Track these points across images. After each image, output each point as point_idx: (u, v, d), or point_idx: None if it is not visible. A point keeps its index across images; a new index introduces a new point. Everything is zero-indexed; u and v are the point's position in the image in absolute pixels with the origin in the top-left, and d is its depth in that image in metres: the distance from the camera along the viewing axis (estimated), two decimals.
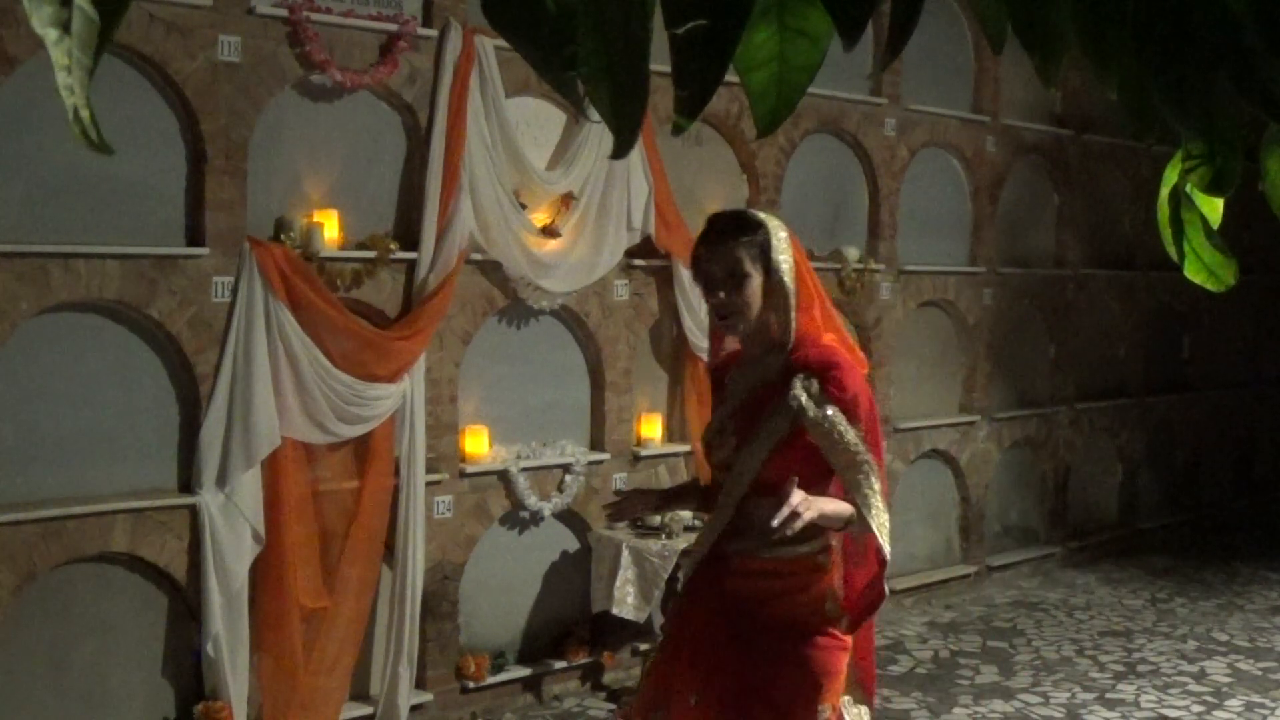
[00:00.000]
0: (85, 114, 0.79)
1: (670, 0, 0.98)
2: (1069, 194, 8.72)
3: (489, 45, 5.37)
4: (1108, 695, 6.02)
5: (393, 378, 5.15)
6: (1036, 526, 8.72)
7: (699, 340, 6.23)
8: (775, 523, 2.71)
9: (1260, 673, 6.42)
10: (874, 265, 7.25)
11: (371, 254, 5.17)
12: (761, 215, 3.08)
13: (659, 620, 5.75)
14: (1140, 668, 6.47)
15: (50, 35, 0.78)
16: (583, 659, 5.90)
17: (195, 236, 4.79)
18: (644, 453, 6.19)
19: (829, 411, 2.89)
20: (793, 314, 2.99)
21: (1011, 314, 8.35)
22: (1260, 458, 10.92)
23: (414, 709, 5.33)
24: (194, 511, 4.71)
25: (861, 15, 1.01)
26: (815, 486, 2.91)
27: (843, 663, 3.03)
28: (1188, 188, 1.62)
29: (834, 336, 3.09)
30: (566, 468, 5.86)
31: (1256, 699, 6.01)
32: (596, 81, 0.98)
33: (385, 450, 5.20)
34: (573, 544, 6.01)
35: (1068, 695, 6.01)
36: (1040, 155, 8.48)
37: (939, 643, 6.85)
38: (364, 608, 5.19)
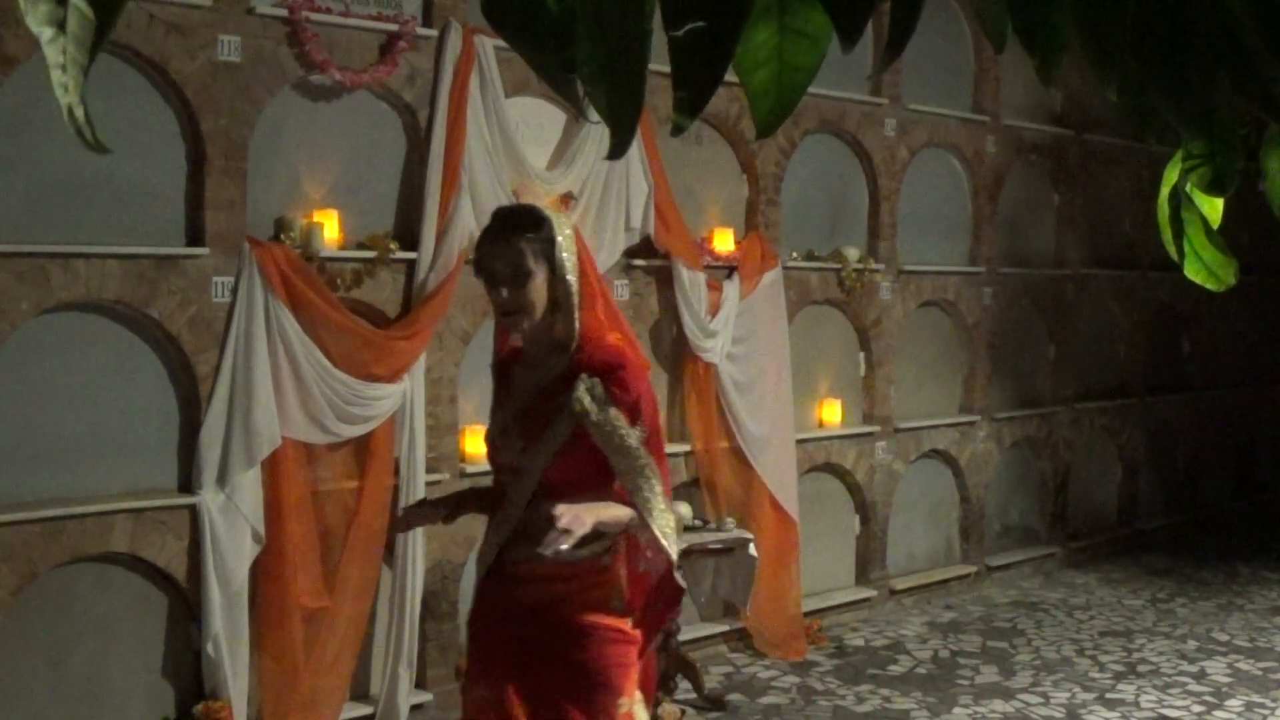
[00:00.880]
0: (80, 113, 0.79)
1: (669, 1, 0.98)
2: (1069, 194, 8.72)
3: (489, 45, 5.37)
4: (1108, 695, 6.02)
5: (393, 378, 5.15)
6: (1036, 526, 8.72)
7: (699, 340, 6.23)
8: (545, 550, 2.74)
9: (1260, 673, 6.42)
10: (874, 265, 7.24)
11: (371, 254, 5.17)
12: (547, 212, 3.05)
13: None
14: (1140, 668, 6.47)
15: (45, 34, 0.78)
16: None
17: (195, 236, 4.79)
18: None
19: (611, 414, 2.88)
20: (576, 313, 2.97)
21: (1011, 314, 8.35)
22: (1260, 458, 10.92)
23: (414, 709, 5.33)
24: (194, 511, 4.71)
25: (860, 16, 1.01)
26: (600, 489, 2.92)
27: (633, 655, 3.03)
28: (1188, 188, 1.62)
29: (618, 335, 3.07)
30: None
31: (1256, 699, 6.01)
32: (595, 83, 0.98)
33: (385, 450, 5.20)
34: None
35: (1068, 695, 6.01)
36: (1040, 155, 8.48)
37: (939, 643, 6.84)
38: (364, 608, 5.19)
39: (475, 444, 5.60)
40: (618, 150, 1.01)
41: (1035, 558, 8.52)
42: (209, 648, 4.70)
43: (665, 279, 6.22)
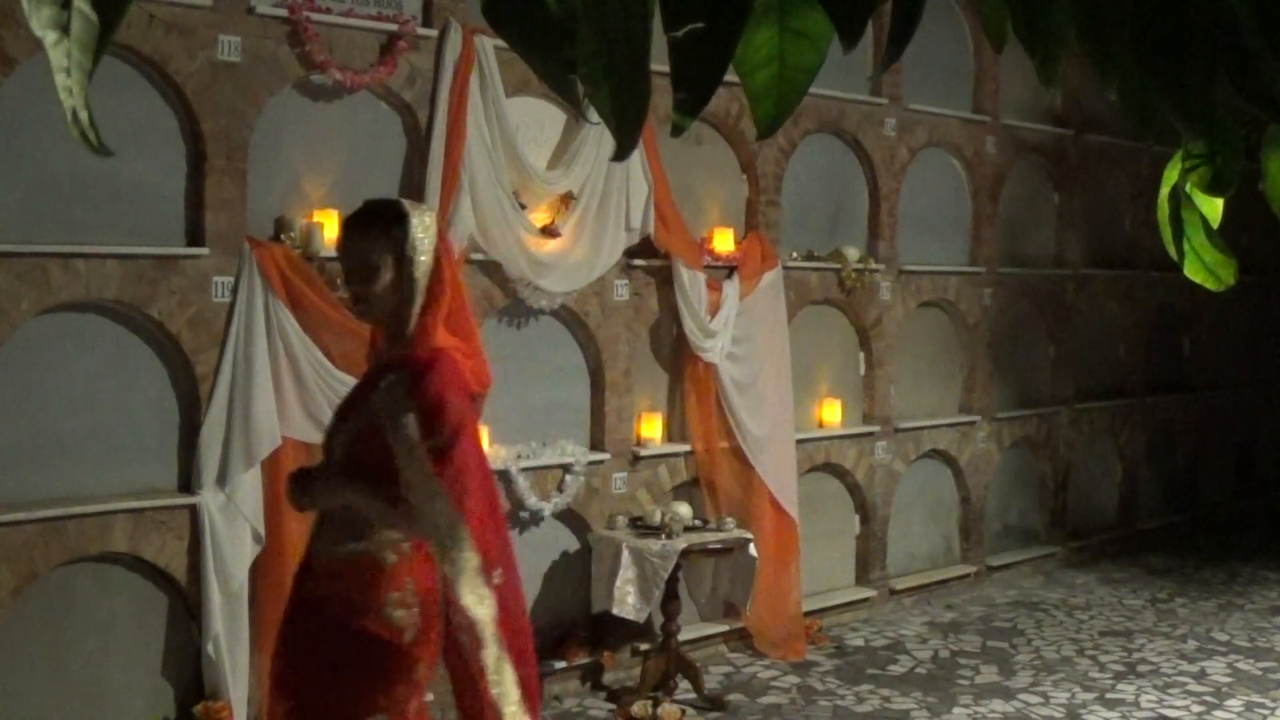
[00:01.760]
0: (84, 115, 0.79)
1: (670, 2, 0.98)
2: (1069, 194, 8.72)
3: (489, 45, 5.37)
4: (1108, 695, 6.02)
5: None
6: (1036, 526, 8.72)
7: (699, 340, 6.23)
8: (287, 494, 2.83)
9: (1260, 673, 6.42)
10: (874, 265, 7.25)
11: None
12: (408, 206, 3.03)
13: (659, 621, 5.76)
14: (1140, 668, 6.47)
15: (49, 37, 0.78)
16: (583, 659, 5.90)
17: (195, 236, 4.79)
18: (644, 453, 6.18)
19: (406, 419, 2.83)
20: (415, 310, 2.95)
21: (1011, 314, 8.35)
22: (1260, 458, 10.91)
23: None
24: (194, 511, 4.71)
25: (860, 18, 1.01)
26: (387, 485, 2.86)
27: (407, 672, 2.91)
28: (1188, 188, 1.62)
29: (457, 343, 3.03)
30: (566, 468, 5.85)
31: (1256, 699, 6.01)
32: (597, 84, 0.98)
33: None
34: (573, 544, 6.00)
35: (1068, 695, 6.01)
36: (1040, 155, 8.48)
37: (939, 643, 6.84)
38: None
39: None
40: (624, 151, 1.01)
41: (1035, 558, 8.52)
42: (209, 648, 4.70)
43: (665, 279, 6.22)
